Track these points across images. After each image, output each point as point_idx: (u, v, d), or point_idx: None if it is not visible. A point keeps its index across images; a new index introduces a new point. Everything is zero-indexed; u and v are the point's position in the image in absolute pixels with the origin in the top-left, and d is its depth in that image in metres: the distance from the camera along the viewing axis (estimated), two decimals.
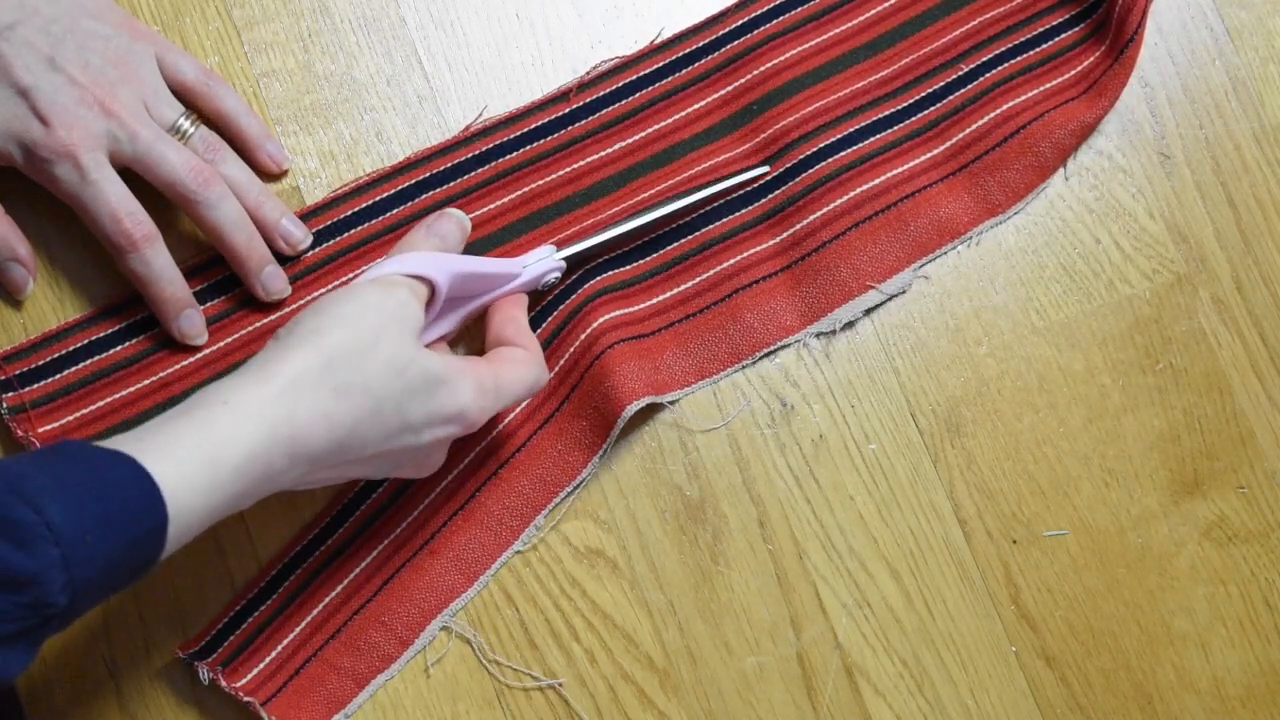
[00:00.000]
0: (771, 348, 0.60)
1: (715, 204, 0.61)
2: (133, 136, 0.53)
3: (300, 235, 0.58)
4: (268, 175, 0.59)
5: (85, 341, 0.56)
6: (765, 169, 0.61)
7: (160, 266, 0.55)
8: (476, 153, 0.60)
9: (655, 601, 0.57)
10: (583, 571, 0.57)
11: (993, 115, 0.63)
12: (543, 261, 0.58)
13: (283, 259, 0.58)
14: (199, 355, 0.57)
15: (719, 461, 0.59)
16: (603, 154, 0.61)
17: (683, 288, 0.61)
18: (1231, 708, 0.59)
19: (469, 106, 0.61)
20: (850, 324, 0.60)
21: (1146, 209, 0.63)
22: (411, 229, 0.55)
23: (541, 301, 0.60)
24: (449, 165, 0.60)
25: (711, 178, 0.61)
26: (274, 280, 0.57)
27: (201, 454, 0.43)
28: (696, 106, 0.62)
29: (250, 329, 0.58)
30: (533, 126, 0.61)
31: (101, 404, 0.56)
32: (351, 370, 0.47)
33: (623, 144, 0.62)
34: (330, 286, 0.59)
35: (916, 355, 0.61)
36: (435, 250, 0.54)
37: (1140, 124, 0.64)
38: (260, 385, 0.45)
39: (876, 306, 0.61)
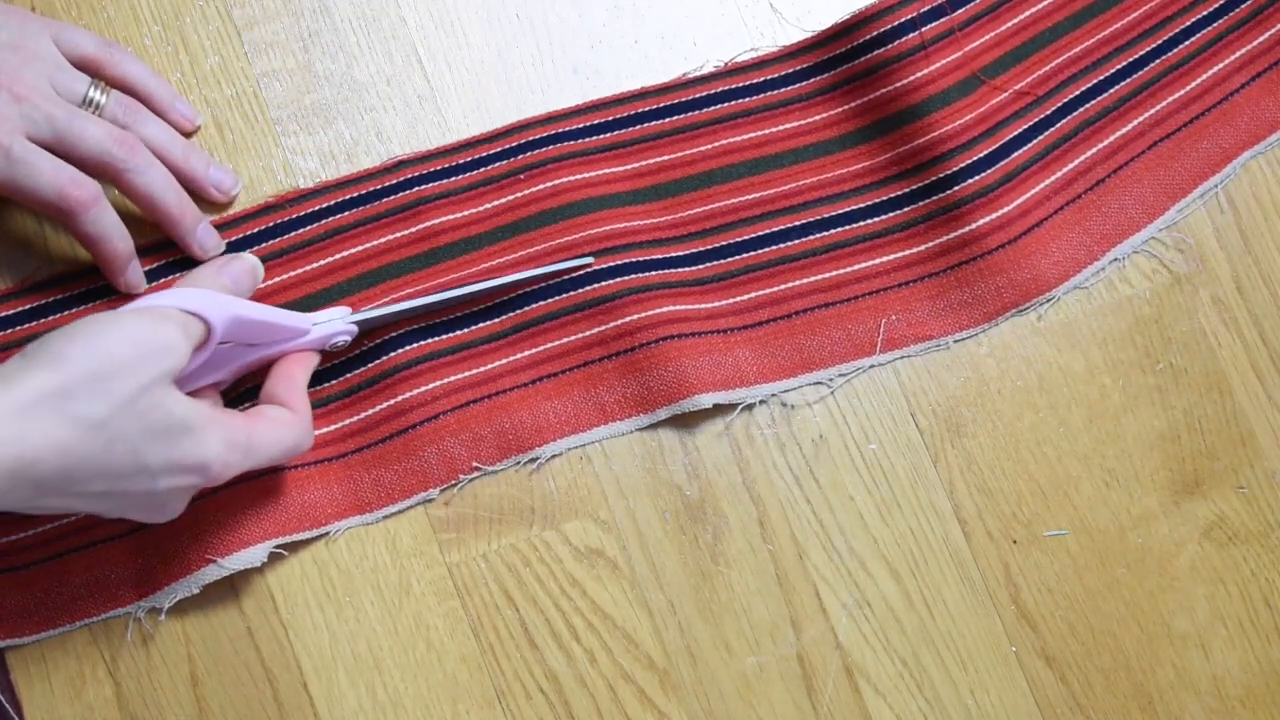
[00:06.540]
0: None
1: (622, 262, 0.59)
2: (49, 117, 0.52)
3: (230, 181, 0.58)
4: (182, 135, 0.58)
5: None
6: (590, 260, 0.59)
7: (111, 222, 0.54)
8: (313, 210, 0.59)
9: (655, 601, 0.57)
10: (583, 571, 0.57)
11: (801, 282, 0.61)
12: (333, 322, 0.55)
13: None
14: None
15: (719, 461, 0.59)
16: (447, 219, 0.59)
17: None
18: (1231, 708, 0.59)
19: (469, 106, 0.61)
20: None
21: None
22: (201, 266, 0.54)
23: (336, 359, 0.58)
24: (282, 220, 0.59)
25: (533, 266, 0.59)
26: (209, 237, 0.57)
27: None
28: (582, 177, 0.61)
29: None
30: (368, 190, 0.59)
31: None
32: (89, 402, 0.44)
33: (475, 210, 0.60)
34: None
35: (916, 355, 0.61)
36: (222, 290, 0.52)
37: None
38: None
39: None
